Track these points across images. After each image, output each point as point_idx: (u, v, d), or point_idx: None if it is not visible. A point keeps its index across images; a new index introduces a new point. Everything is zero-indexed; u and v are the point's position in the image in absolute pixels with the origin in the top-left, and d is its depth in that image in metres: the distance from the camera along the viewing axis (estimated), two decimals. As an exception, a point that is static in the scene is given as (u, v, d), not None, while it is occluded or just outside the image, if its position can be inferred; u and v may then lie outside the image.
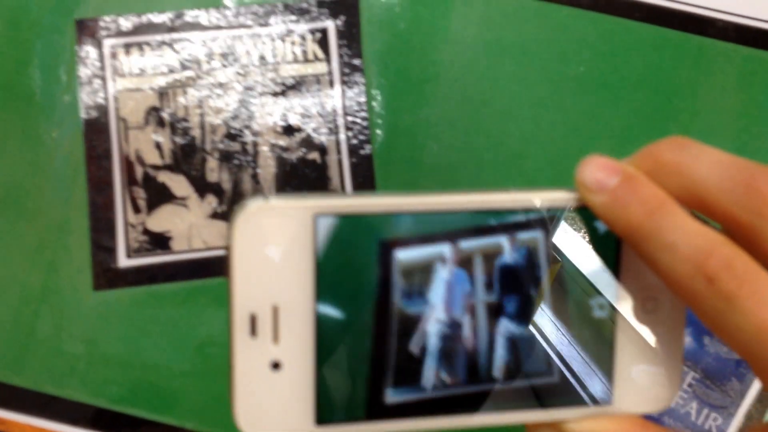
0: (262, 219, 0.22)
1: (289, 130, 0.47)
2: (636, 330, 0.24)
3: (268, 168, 0.47)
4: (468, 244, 0.23)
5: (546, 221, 0.24)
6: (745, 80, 0.48)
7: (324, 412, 0.23)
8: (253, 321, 0.22)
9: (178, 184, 0.47)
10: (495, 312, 0.24)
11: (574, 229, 0.24)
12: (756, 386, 0.48)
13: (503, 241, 0.23)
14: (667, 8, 0.48)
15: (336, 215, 0.23)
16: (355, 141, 0.47)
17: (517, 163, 0.47)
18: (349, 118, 0.47)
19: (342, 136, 0.47)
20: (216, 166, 0.47)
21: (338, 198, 0.23)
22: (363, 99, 0.47)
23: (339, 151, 0.47)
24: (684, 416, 0.48)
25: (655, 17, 0.48)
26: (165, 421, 0.46)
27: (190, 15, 0.47)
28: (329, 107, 0.47)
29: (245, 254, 0.22)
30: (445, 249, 0.23)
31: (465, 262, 0.23)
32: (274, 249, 0.22)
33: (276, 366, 0.22)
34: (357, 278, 0.23)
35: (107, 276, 0.46)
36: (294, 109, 0.47)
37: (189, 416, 0.46)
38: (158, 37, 0.47)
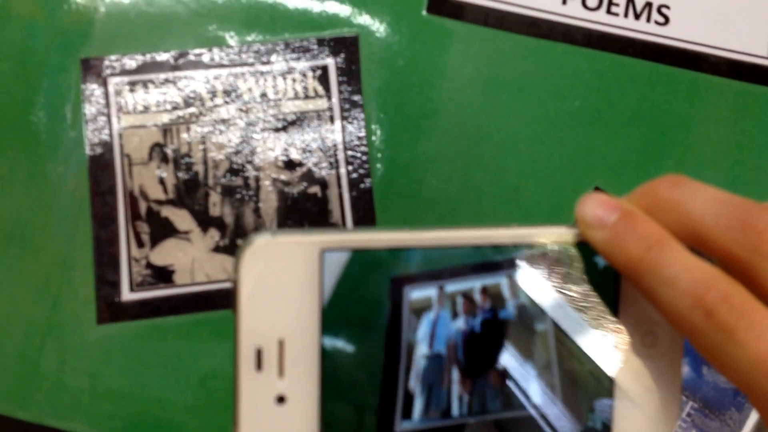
0: (268, 254, 0.22)
1: (290, 164, 0.48)
2: (635, 363, 0.24)
3: (269, 202, 0.48)
4: (469, 283, 0.24)
5: (544, 257, 0.24)
6: (738, 114, 0.49)
7: None
8: (258, 355, 0.22)
9: (181, 218, 0.48)
10: (498, 346, 0.24)
11: (573, 265, 0.24)
12: (755, 416, 0.49)
13: (504, 278, 0.24)
14: (660, 44, 0.49)
15: (342, 250, 0.23)
16: (355, 175, 0.48)
17: (514, 197, 0.48)
18: (350, 153, 0.48)
19: (342, 171, 0.48)
20: (218, 201, 0.48)
21: (344, 233, 0.23)
22: (363, 134, 0.48)
23: (339, 185, 0.48)
24: (683, 446, 0.48)
25: (648, 53, 0.49)
26: (168, 455, 0.47)
27: (193, 54, 0.48)
28: (330, 142, 0.48)
29: (251, 289, 0.22)
30: (450, 287, 0.24)
31: (457, 301, 0.24)
32: (280, 283, 0.22)
33: (281, 400, 0.23)
34: (363, 313, 0.23)
35: (111, 310, 0.47)
36: (295, 144, 0.48)
37: (191, 449, 0.47)
38: (162, 76, 0.48)
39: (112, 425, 0.46)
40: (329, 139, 0.48)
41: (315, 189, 0.48)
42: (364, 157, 0.48)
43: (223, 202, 0.48)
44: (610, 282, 0.24)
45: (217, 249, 0.48)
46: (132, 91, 0.48)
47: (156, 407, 0.47)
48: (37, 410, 0.46)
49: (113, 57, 0.48)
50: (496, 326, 0.24)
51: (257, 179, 0.48)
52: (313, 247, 0.23)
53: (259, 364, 0.22)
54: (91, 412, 0.46)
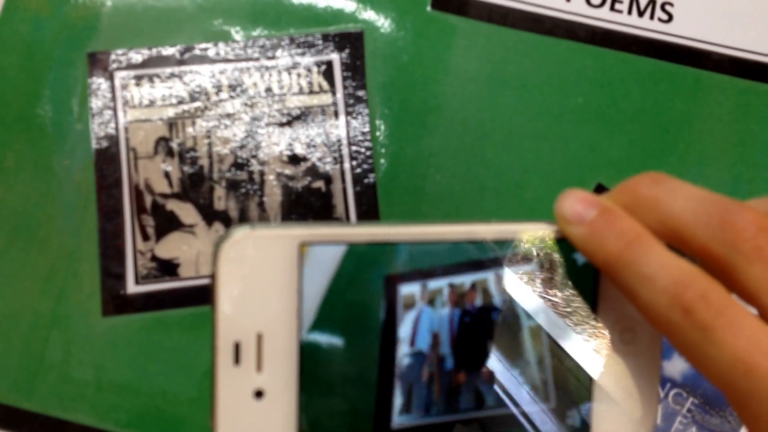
0: (247, 247, 0.22)
1: (294, 159, 0.48)
2: (614, 361, 0.24)
3: (274, 196, 0.48)
4: (453, 280, 0.24)
5: (527, 259, 0.24)
6: (741, 111, 0.49)
7: None
8: (236, 349, 0.22)
9: (186, 212, 0.48)
10: (482, 345, 0.24)
11: (553, 262, 0.24)
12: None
13: (488, 276, 0.24)
14: (663, 41, 0.49)
15: (322, 244, 0.23)
16: (359, 170, 0.48)
17: (517, 193, 0.48)
18: (354, 148, 0.48)
19: (346, 166, 0.48)
20: (223, 195, 0.48)
21: (323, 227, 0.23)
22: (367, 129, 0.48)
23: (343, 180, 0.48)
24: (683, 442, 0.49)
25: (651, 50, 0.49)
26: (172, 446, 0.47)
27: (199, 48, 0.48)
28: (334, 137, 0.48)
29: (230, 282, 0.22)
30: (433, 284, 0.24)
31: (439, 299, 0.24)
32: (259, 277, 0.22)
33: (259, 394, 0.22)
34: (352, 309, 0.23)
35: (116, 302, 0.47)
36: (300, 139, 0.48)
37: (195, 441, 0.47)
38: (168, 70, 0.48)
39: (117, 417, 0.47)
40: (333, 134, 0.48)
41: (319, 184, 0.48)
42: (368, 153, 0.48)
43: (227, 196, 0.48)
44: (589, 278, 0.24)
45: (222, 243, 0.48)
46: (138, 85, 0.48)
47: (160, 399, 0.47)
48: (42, 401, 0.47)
49: (119, 51, 0.48)
50: (478, 325, 0.24)
51: (262, 173, 0.48)
52: (292, 240, 0.22)
53: (237, 359, 0.22)
54: (96, 404, 0.47)
